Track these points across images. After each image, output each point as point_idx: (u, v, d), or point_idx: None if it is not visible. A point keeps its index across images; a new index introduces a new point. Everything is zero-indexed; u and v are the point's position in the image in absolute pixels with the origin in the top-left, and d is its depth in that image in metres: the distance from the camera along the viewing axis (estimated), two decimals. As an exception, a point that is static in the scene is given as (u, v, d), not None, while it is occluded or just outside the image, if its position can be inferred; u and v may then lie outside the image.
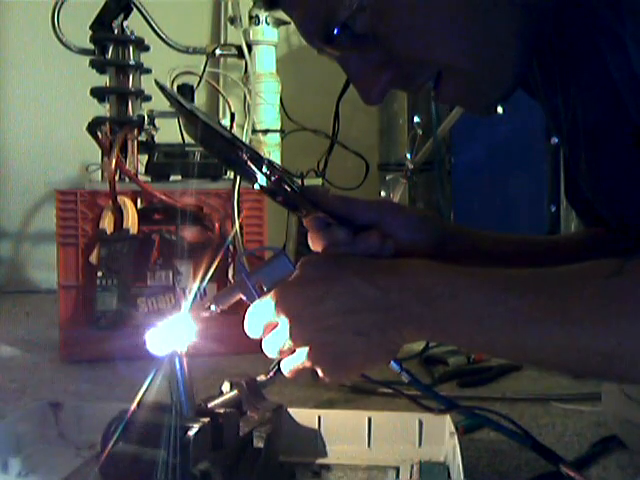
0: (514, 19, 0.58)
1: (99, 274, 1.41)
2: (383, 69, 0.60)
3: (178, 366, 0.67)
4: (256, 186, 0.63)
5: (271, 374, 0.75)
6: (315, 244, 0.67)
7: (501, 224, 1.95)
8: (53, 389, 1.27)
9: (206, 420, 0.66)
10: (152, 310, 1.46)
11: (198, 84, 1.76)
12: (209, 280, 1.48)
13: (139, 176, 1.55)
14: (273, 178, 0.61)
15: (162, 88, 0.68)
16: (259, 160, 0.62)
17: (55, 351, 1.48)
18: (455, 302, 0.57)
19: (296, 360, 0.61)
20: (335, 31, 0.57)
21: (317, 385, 1.20)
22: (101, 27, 1.60)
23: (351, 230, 0.66)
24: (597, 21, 0.53)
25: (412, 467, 0.83)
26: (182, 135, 1.65)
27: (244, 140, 1.67)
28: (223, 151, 0.66)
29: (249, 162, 0.61)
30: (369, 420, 0.88)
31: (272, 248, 0.66)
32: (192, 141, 1.53)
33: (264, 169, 0.61)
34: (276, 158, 2.01)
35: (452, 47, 0.58)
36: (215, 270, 1.50)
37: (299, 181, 1.74)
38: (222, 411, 0.69)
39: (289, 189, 0.64)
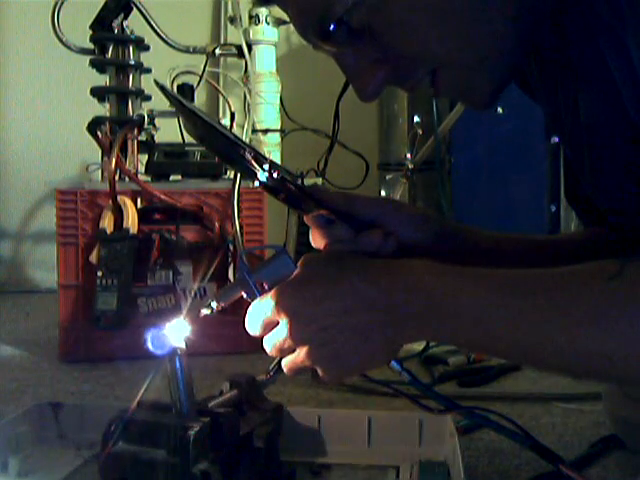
0: (509, 13, 0.58)
1: (99, 274, 1.40)
2: (379, 65, 0.60)
3: (178, 365, 0.67)
4: (257, 183, 0.63)
5: (271, 374, 0.75)
6: (317, 241, 0.67)
7: (501, 224, 1.94)
8: (53, 389, 1.27)
9: (206, 420, 0.66)
10: (152, 310, 1.46)
11: (198, 84, 1.76)
12: (209, 280, 1.48)
13: (139, 176, 1.55)
14: (275, 175, 0.61)
15: (162, 88, 0.68)
16: (260, 158, 0.62)
17: (55, 351, 1.48)
18: (456, 303, 0.57)
19: (296, 359, 0.61)
20: (331, 26, 0.57)
21: (317, 384, 1.20)
22: (101, 27, 1.60)
23: (353, 227, 0.65)
24: (597, 20, 0.53)
25: (412, 467, 0.83)
26: (182, 135, 1.65)
27: (244, 139, 1.67)
28: (224, 149, 0.66)
29: (251, 160, 0.61)
30: (369, 420, 0.88)
31: (273, 246, 0.66)
32: (192, 141, 1.53)
33: (265, 167, 0.61)
34: (276, 158, 2.01)
35: (448, 43, 0.58)
36: (215, 270, 1.49)
37: (299, 181, 1.74)
38: (222, 411, 0.69)
39: (291, 186, 0.64)
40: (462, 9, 0.56)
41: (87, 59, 1.64)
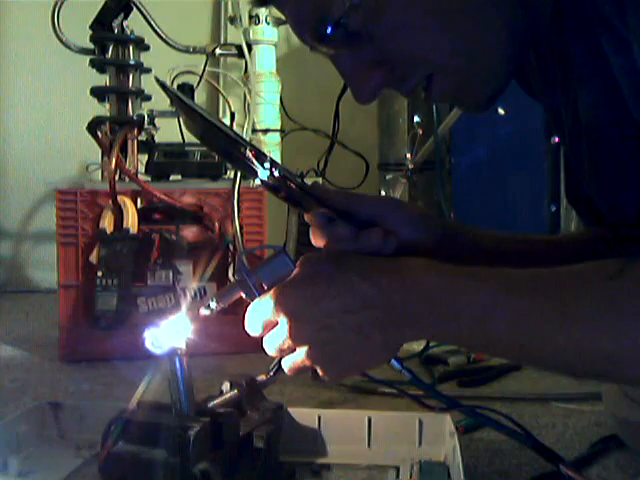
0: (506, 15, 0.58)
1: (99, 274, 1.40)
2: (375, 68, 0.60)
3: (178, 365, 0.67)
4: (258, 181, 0.63)
5: (271, 374, 0.75)
6: (317, 240, 0.67)
7: (501, 224, 1.95)
8: (53, 389, 1.27)
9: (206, 420, 0.65)
10: (152, 310, 1.46)
11: (198, 83, 1.76)
12: (209, 279, 1.48)
13: (139, 176, 1.55)
14: (276, 174, 0.61)
15: (162, 85, 0.68)
16: (261, 156, 0.62)
17: (55, 351, 1.48)
18: (456, 302, 0.57)
19: (296, 359, 0.61)
20: (328, 29, 0.57)
21: (317, 384, 1.20)
22: (101, 26, 1.60)
23: (354, 226, 0.66)
24: (599, 19, 0.53)
25: (412, 467, 0.83)
26: (182, 135, 1.65)
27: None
28: (225, 147, 0.66)
29: (251, 157, 0.61)
30: (369, 420, 0.88)
31: (273, 247, 0.66)
32: (192, 140, 1.53)
33: (266, 164, 0.61)
34: (276, 158, 2.01)
35: (444, 47, 0.58)
36: (215, 270, 1.49)
37: (299, 180, 1.74)
38: (222, 411, 0.69)
39: (292, 184, 0.64)
40: (459, 14, 0.57)
41: (87, 59, 1.64)
